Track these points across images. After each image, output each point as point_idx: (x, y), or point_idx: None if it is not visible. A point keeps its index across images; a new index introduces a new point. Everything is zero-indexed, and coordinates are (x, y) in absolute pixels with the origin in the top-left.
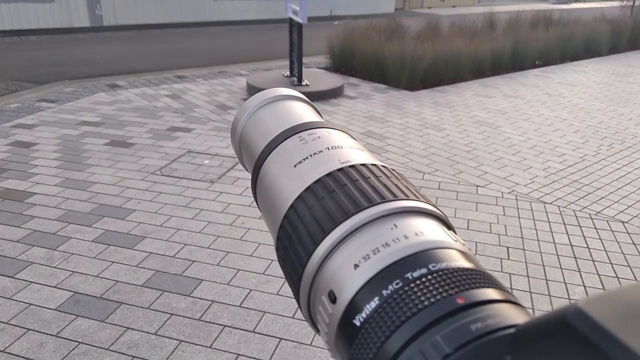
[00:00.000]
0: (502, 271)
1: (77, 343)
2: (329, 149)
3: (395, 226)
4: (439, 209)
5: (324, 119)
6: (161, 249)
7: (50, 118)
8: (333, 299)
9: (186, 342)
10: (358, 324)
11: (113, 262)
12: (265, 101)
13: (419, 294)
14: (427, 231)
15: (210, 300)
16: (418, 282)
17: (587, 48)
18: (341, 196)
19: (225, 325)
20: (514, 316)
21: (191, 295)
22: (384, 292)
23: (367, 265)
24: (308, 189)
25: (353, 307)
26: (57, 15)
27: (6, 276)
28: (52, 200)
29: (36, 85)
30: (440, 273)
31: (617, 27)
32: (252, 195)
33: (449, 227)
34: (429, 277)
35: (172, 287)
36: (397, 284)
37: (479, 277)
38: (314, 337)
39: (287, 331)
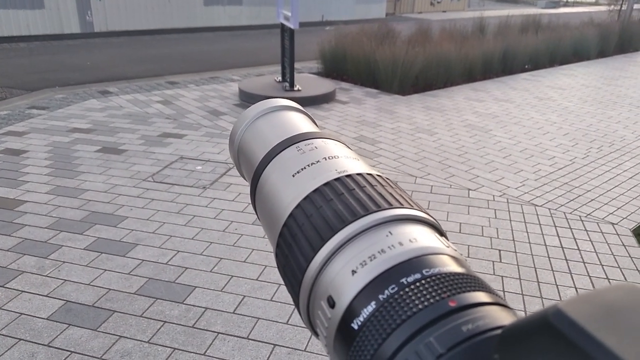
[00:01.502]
0: (494, 274)
1: (69, 352)
2: (326, 158)
3: (390, 233)
4: (431, 216)
5: (319, 126)
6: (154, 256)
7: (41, 125)
8: (332, 304)
9: (180, 349)
10: (356, 327)
11: (105, 270)
12: (263, 111)
13: (413, 298)
14: (421, 238)
15: (203, 307)
16: (412, 286)
17: (575, 52)
18: (339, 205)
19: (219, 332)
20: (502, 318)
21: (184, 302)
22: (381, 296)
23: (364, 271)
24: (307, 197)
25: (351, 312)
26: (47, 21)
27: None
28: (43, 208)
29: (26, 92)
30: (433, 278)
31: (605, 31)
32: (249, 203)
33: (441, 233)
34: (423, 281)
35: (165, 294)
36: (392, 288)
37: (470, 281)
38: (308, 343)
39: (282, 337)
